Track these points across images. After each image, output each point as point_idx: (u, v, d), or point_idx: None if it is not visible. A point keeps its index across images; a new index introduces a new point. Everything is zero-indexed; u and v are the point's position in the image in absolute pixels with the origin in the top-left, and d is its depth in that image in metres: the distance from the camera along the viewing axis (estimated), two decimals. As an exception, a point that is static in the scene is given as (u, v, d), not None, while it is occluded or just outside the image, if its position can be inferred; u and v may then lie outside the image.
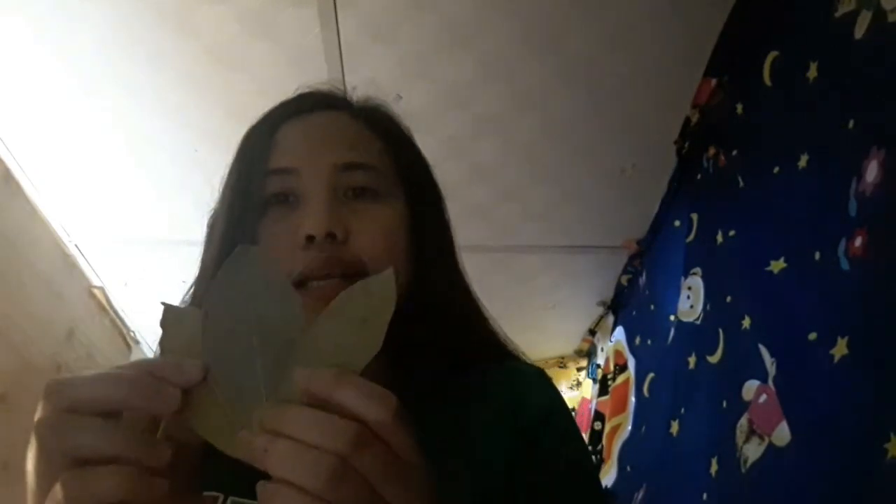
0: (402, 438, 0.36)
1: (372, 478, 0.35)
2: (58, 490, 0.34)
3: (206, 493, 0.51)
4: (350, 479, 0.34)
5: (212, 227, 0.65)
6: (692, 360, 1.37)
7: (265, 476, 0.36)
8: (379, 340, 0.39)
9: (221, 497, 0.51)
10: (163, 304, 0.41)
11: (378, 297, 0.41)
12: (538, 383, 0.64)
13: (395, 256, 0.58)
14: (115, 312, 1.89)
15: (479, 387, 0.61)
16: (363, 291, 0.41)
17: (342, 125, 0.64)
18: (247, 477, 0.56)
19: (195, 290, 0.62)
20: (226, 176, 0.64)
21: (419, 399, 0.46)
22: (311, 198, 0.57)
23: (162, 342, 0.40)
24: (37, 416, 0.35)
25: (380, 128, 0.65)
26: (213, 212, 0.66)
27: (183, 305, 0.41)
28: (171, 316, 0.41)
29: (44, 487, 0.35)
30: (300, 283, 0.54)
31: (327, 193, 0.57)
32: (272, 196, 0.59)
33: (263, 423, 0.36)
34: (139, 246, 1.73)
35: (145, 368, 0.37)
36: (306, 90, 0.69)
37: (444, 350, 0.61)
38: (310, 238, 0.55)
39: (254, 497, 0.53)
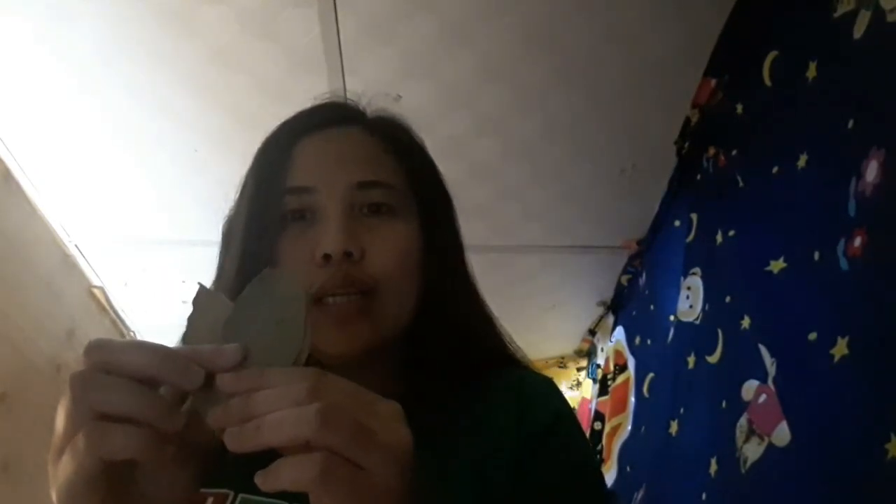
0: (345, 382, 0.39)
1: (349, 407, 0.37)
2: (80, 438, 0.37)
3: (216, 491, 0.52)
4: (338, 415, 0.36)
5: (228, 234, 0.67)
6: (691, 359, 1.37)
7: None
8: (300, 335, 0.42)
9: (231, 494, 0.52)
10: (199, 284, 0.45)
11: (284, 297, 0.43)
12: (546, 390, 0.65)
13: (407, 273, 0.61)
14: (115, 312, 1.88)
15: (486, 393, 0.62)
16: (267, 295, 0.43)
17: (358, 142, 0.65)
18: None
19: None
20: (241, 187, 0.66)
21: (428, 407, 0.47)
22: (328, 216, 0.59)
23: (190, 318, 0.43)
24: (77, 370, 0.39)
25: (394, 143, 0.66)
26: (227, 219, 0.67)
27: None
28: (203, 297, 0.44)
29: (69, 434, 0.39)
30: (318, 300, 0.56)
31: (344, 212, 0.59)
32: (290, 213, 0.60)
33: (243, 412, 0.38)
34: (139, 246, 1.73)
35: (188, 352, 0.40)
36: (321, 102, 0.70)
37: (455, 360, 0.62)
38: (326, 257, 0.56)
39: (263, 494, 0.54)
